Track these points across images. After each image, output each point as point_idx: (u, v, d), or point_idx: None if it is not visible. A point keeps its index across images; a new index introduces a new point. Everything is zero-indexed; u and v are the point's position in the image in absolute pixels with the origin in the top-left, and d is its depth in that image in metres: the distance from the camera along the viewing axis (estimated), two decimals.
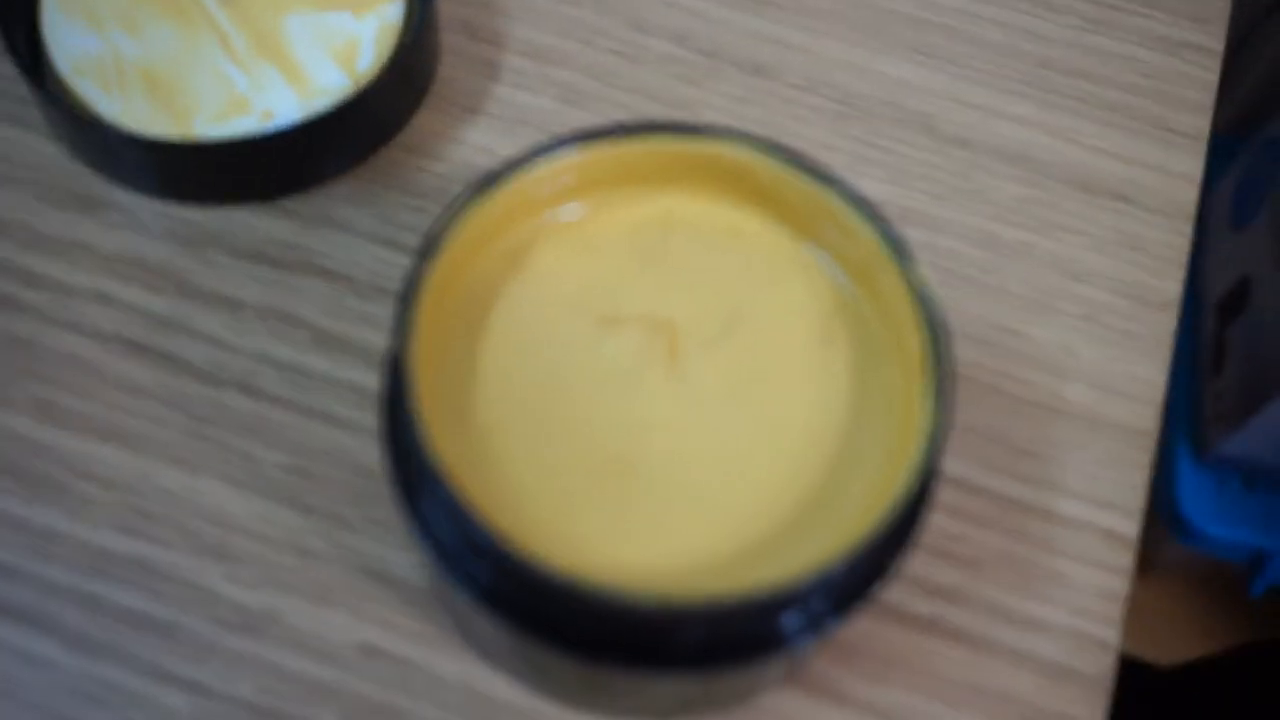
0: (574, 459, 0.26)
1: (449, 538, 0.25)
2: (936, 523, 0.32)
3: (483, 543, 0.24)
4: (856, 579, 0.25)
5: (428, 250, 0.26)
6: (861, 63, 0.40)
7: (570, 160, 0.28)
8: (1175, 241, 0.37)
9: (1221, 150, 0.72)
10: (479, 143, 0.37)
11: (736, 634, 0.24)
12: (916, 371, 0.26)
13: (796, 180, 0.28)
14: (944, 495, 0.33)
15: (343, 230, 0.35)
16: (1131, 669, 0.72)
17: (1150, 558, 0.71)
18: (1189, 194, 0.38)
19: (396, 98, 0.36)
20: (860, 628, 0.31)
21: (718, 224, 0.29)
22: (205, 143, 0.34)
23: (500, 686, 0.29)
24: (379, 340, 0.33)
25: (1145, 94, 0.40)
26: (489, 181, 0.27)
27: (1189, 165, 0.39)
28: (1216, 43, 0.40)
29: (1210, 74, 0.40)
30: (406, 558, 0.31)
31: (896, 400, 0.27)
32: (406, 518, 0.26)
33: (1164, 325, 0.36)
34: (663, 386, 0.27)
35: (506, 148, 0.37)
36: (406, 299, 0.25)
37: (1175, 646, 0.73)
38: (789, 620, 0.25)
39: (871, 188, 0.37)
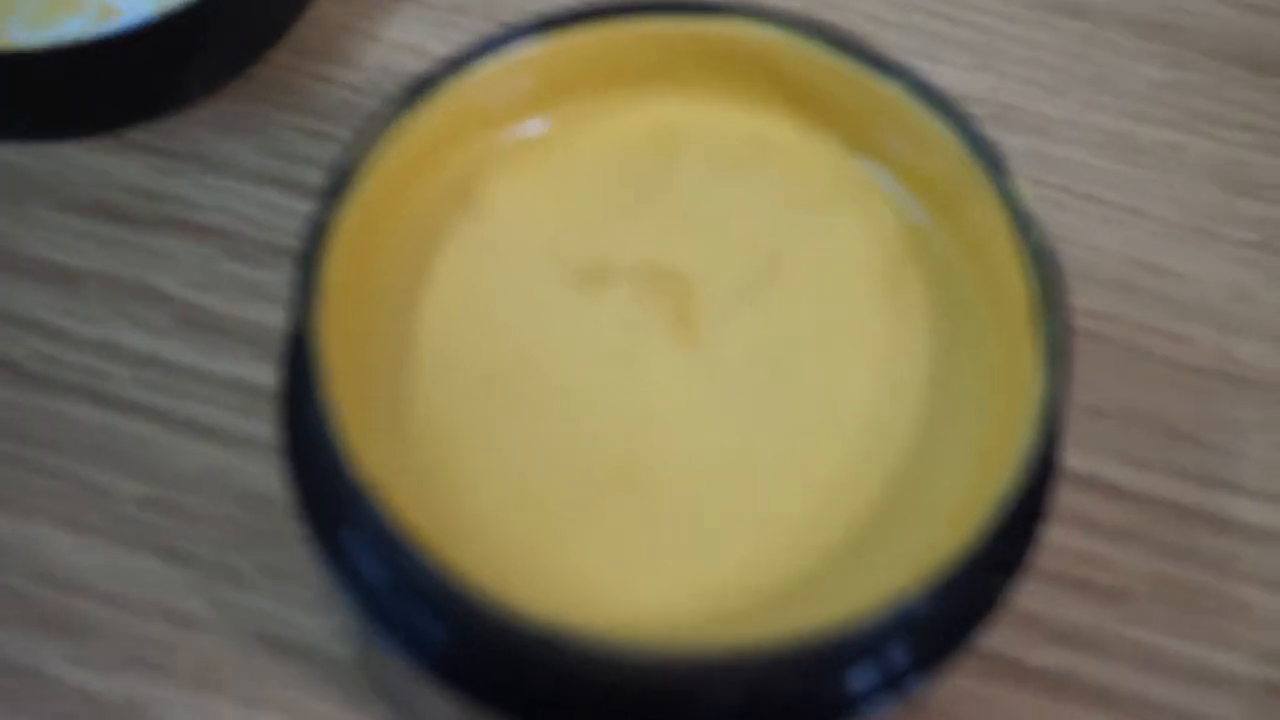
0: (554, 470, 0.27)
1: (382, 584, 0.26)
2: (1063, 540, 0.33)
3: (432, 587, 0.25)
4: (948, 618, 0.27)
5: (338, 189, 0.27)
6: None
7: (530, 55, 0.29)
8: None
9: None
10: (402, 39, 0.38)
11: (785, 698, 0.26)
12: (1021, 330, 0.28)
13: (846, 71, 0.29)
14: (1071, 501, 0.34)
15: (216, 169, 0.36)
16: None
17: None
18: None
19: None
20: (959, 688, 0.32)
21: (738, 137, 0.30)
22: (19, 51, 0.35)
23: None
24: (274, 318, 0.34)
25: None
26: (419, 90, 0.28)
27: None
28: None
29: None
30: (321, 620, 0.32)
31: (993, 370, 0.28)
32: (321, 560, 0.27)
33: None
34: (672, 364, 0.28)
35: (441, 45, 0.38)
36: (310, 258, 0.27)
37: None
38: (857, 677, 0.26)
39: (950, 78, 0.38)
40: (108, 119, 0.37)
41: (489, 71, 0.29)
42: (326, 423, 0.26)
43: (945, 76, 0.38)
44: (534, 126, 0.30)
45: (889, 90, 0.29)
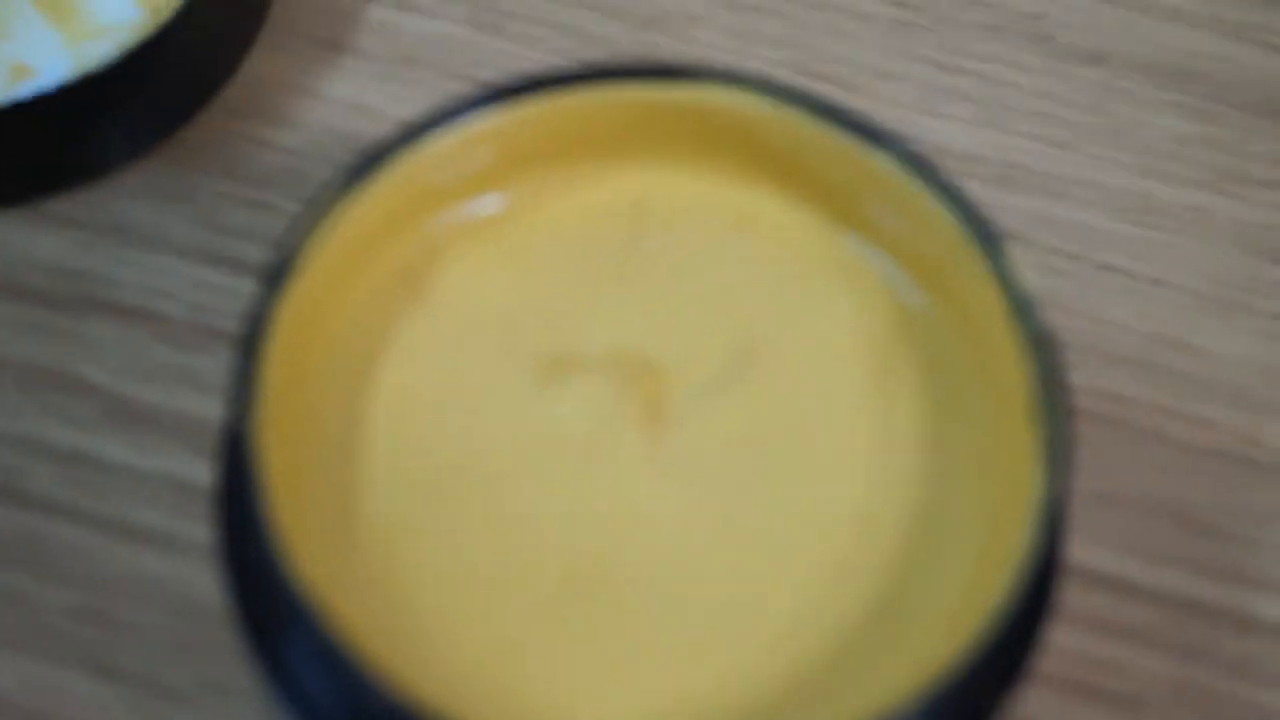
0: (513, 576, 0.29)
1: (329, 704, 0.28)
2: (1072, 643, 0.35)
3: (381, 709, 0.26)
4: None
5: (279, 274, 0.29)
6: None
7: (488, 126, 0.31)
8: None
9: None
10: (344, 96, 0.39)
11: None
12: (1019, 420, 0.29)
13: (831, 140, 0.31)
14: (1080, 600, 0.35)
15: (143, 243, 0.38)
16: None
17: None
18: None
19: (217, 33, 0.39)
20: None
21: (714, 211, 0.32)
22: None
23: None
24: (208, 409, 0.36)
25: None
26: (366, 166, 0.30)
27: None
28: None
29: None
30: None
31: (991, 462, 0.30)
32: (263, 677, 0.28)
33: None
34: (641, 462, 0.30)
35: (388, 103, 0.39)
36: (249, 349, 0.28)
37: None
38: None
39: (953, 134, 0.40)
40: (21, 189, 0.38)
41: (442, 144, 0.30)
42: (266, 528, 0.27)
43: (947, 132, 0.40)
44: (491, 203, 0.32)
45: (878, 161, 0.31)
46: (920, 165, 0.31)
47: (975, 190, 0.38)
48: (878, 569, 0.29)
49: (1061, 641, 0.35)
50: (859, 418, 0.30)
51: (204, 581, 0.34)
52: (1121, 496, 0.36)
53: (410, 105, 0.39)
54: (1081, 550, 0.36)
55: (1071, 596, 0.35)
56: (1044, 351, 0.29)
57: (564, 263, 0.31)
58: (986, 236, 0.30)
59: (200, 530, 0.35)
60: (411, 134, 0.30)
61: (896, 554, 0.30)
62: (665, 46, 0.40)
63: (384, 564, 0.29)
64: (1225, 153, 0.40)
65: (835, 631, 0.29)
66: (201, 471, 0.35)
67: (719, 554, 0.29)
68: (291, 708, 0.28)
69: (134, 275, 0.37)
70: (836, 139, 0.31)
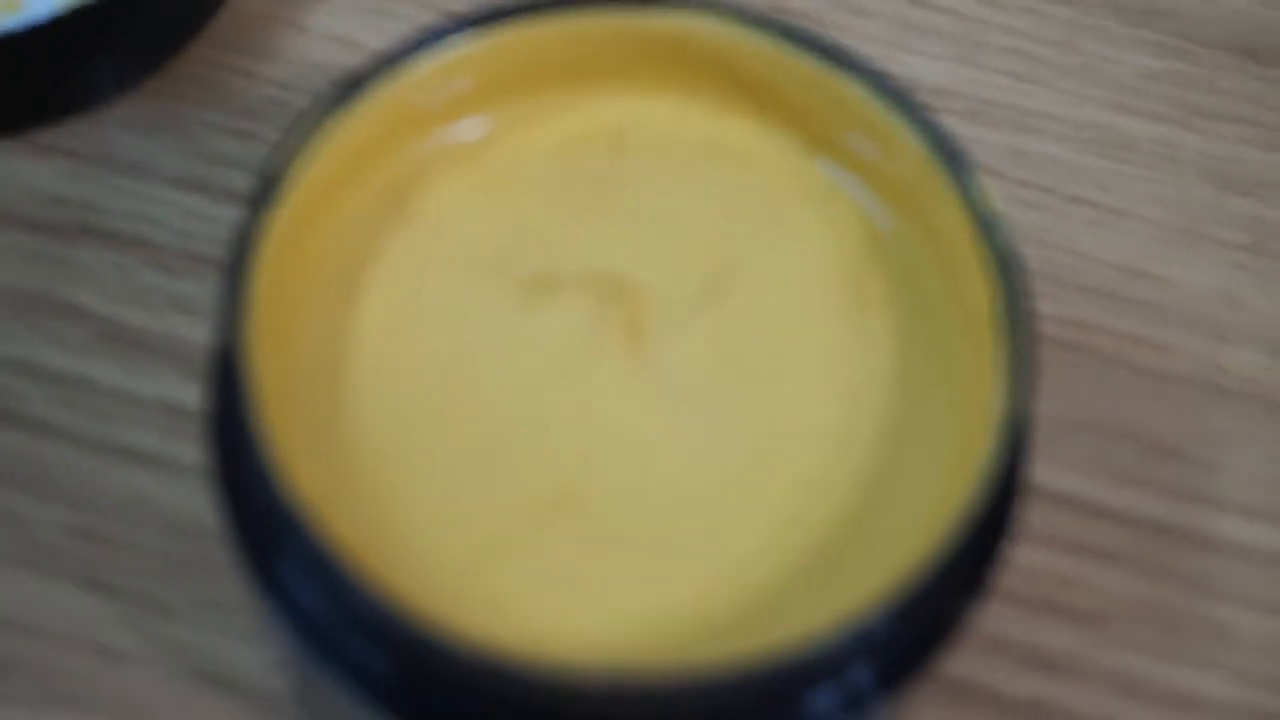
0: (495, 492, 0.30)
1: (320, 613, 0.29)
2: (1038, 561, 0.36)
3: (372, 615, 0.28)
4: (910, 638, 0.29)
5: (264, 196, 0.30)
6: None
7: (468, 52, 0.32)
8: None
9: None
10: (330, 30, 0.41)
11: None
12: (986, 339, 0.30)
13: (804, 67, 0.32)
14: (1047, 520, 0.37)
15: (133, 172, 0.39)
16: None
17: None
18: None
19: None
20: (927, 716, 0.35)
21: (691, 137, 0.33)
22: None
23: None
24: (196, 332, 0.37)
25: None
26: (350, 89, 0.31)
27: None
28: None
29: None
30: (255, 653, 0.34)
31: (960, 381, 0.31)
32: (256, 589, 0.29)
33: None
34: (621, 381, 0.31)
35: (373, 36, 0.40)
36: (236, 270, 0.29)
37: None
38: (817, 699, 0.29)
39: (925, 69, 0.41)
40: (12, 120, 0.39)
41: (424, 69, 0.31)
42: (258, 444, 0.28)
43: (920, 68, 0.41)
44: (472, 128, 0.33)
45: (849, 88, 0.32)
46: (891, 91, 0.32)
47: (947, 125, 0.39)
48: (850, 483, 0.31)
49: (1027, 560, 0.36)
50: (832, 336, 0.32)
51: (195, 501, 0.36)
52: (1087, 421, 0.38)
53: (391, 38, 0.40)
54: (1048, 474, 0.37)
55: (1037, 517, 0.36)
56: (1009, 270, 0.30)
57: (544, 186, 0.32)
58: (955, 160, 0.31)
59: (191, 451, 0.36)
60: (393, 58, 0.31)
61: (869, 468, 0.31)
62: None
63: (370, 478, 0.30)
64: (1192, 88, 0.42)
65: (808, 543, 0.30)
66: (192, 394, 0.37)
67: (696, 468, 0.30)
68: (284, 619, 0.29)
69: (124, 203, 0.39)
70: (809, 66, 0.32)
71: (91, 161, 0.39)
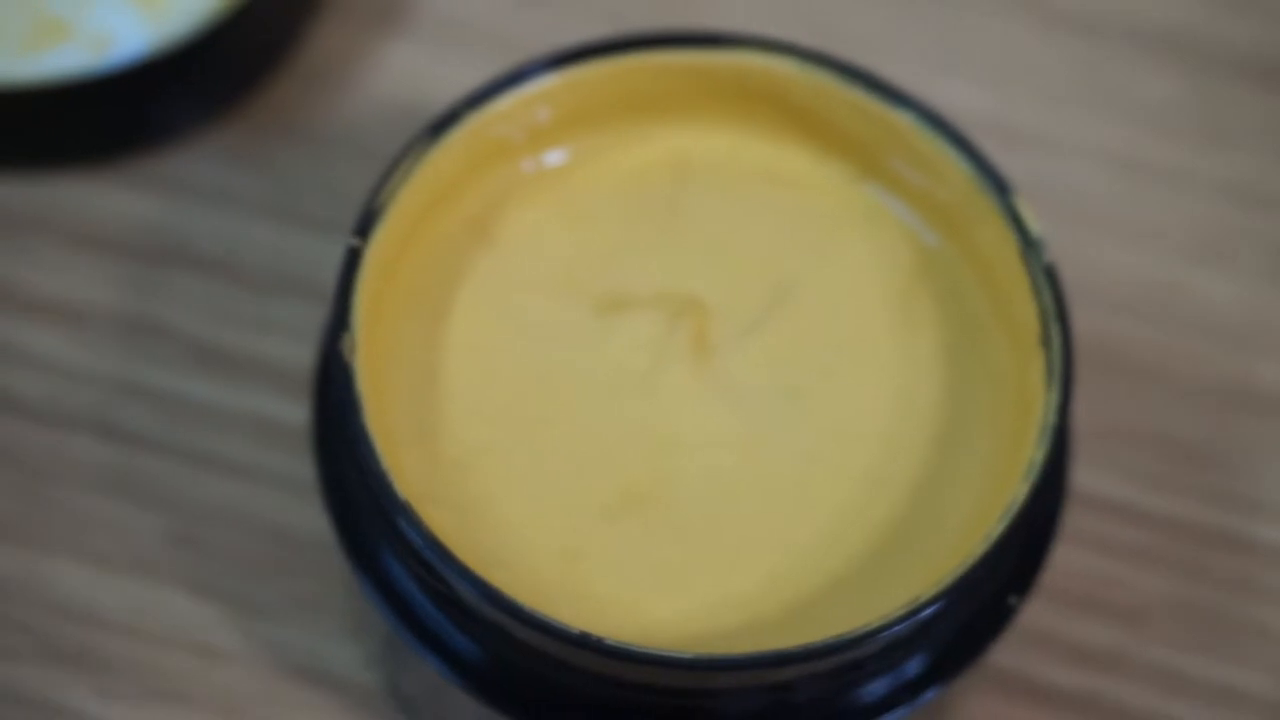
0: (578, 491, 0.33)
1: (420, 603, 0.32)
2: (1083, 562, 0.39)
3: (471, 602, 0.31)
4: (958, 628, 0.32)
5: (367, 224, 0.33)
6: None
7: (546, 89, 0.35)
8: None
9: None
10: (403, 64, 0.44)
11: (799, 704, 0.31)
12: (1030, 348, 0.33)
13: (854, 100, 0.35)
14: (1094, 523, 0.39)
15: (220, 200, 0.42)
16: None
17: None
18: None
19: (285, 7, 0.43)
20: (977, 707, 0.37)
21: (750, 167, 0.36)
22: (12, 86, 0.40)
23: None
24: (282, 351, 0.40)
25: None
26: (442, 125, 0.34)
27: None
28: None
29: None
30: (349, 649, 0.37)
31: (1005, 388, 0.34)
32: (360, 581, 0.32)
33: None
34: (690, 389, 0.34)
35: (442, 69, 0.43)
36: (344, 289, 0.32)
37: None
38: (871, 685, 0.32)
39: (958, 97, 0.43)
40: (104, 151, 0.42)
41: (507, 105, 0.35)
42: (366, 447, 0.31)
43: (953, 97, 0.43)
44: (551, 158, 0.36)
45: (897, 118, 0.35)
46: (935, 121, 0.35)
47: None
48: (904, 484, 0.33)
49: (1072, 561, 0.38)
50: (884, 348, 0.35)
51: (290, 508, 0.38)
52: (1124, 429, 0.40)
53: (459, 71, 0.42)
54: (1089, 478, 0.39)
55: (1080, 521, 0.39)
56: (1051, 288, 0.33)
57: (617, 211, 0.36)
58: (996, 182, 0.34)
59: (283, 462, 0.39)
60: (482, 95, 0.34)
61: (920, 471, 0.34)
62: (696, 19, 0.44)
63: (464, 479, 0.33)
64: (1213, 113, 0.44)
65: (865, 539, 0.33)
66: (281, 407, 0.39)
67: (761, 471, 0.33)
68: (386, 608, 0.32)
69: (211, 229, 0.41)
70: (859, 98, 0.35)
71: (180, 190, 0.42)
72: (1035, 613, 0.38)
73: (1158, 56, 0.45)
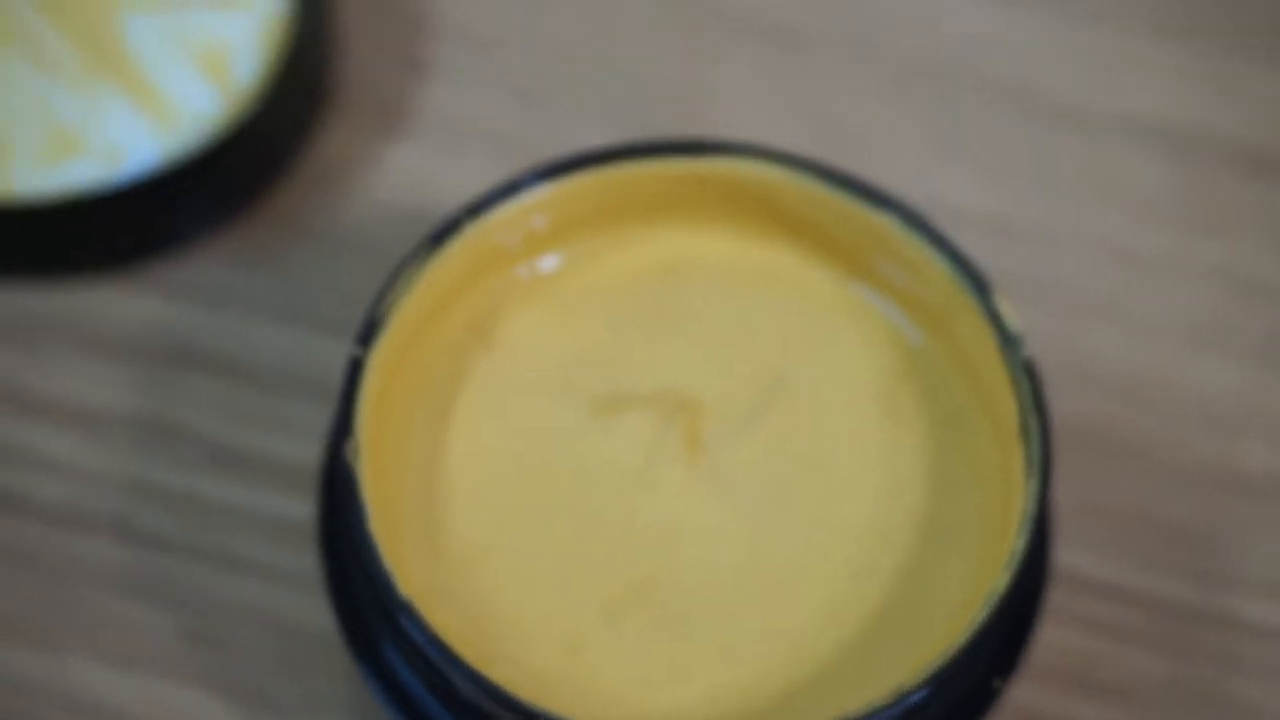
0: (579, 586, 0.34)
1: (423, 698, 0.33)
2: (1069, 641, 0.40)
3: (474, 698, 0.32)
4: (947, 712, 0.34)
5: (371, 329, 0.34)
6: (929, 11, 0.47)
7: (543, 197, 0.36)
8: None
9: None
10: (407, 165, 0.45)
11: None
12: (1012, 440, 0.35)
13: (841, 204, 0.37)
14: (1079, 603, 0.40)
15: (230, 304, 0.43)
16: None
17: None
18: None
19: (290, 114, 0.44)
20: None
21: (741, 267, 0.38)
22: (23, 202, 0.41)
23: None
24: (293, 450, 0.41)
25: None
26: (444, 234, 0.35)
27: None
28: None
29: None
30: None
31: (988, 479, 0.35)
32: (366, 677, 0.34)
33: None
34: (684, 485, 0.35)
35: (445, 171, 0.45)
36: (348, 394, 0.34)
37: None
38: None
39: (951, 189, 0.45)
40: (118, 258, 0.43)
41: (505, 214, 0.36)
42: (369, 547, 0.33)
43: (945, 188, 0.45)
44: (548, 263, 0.37)
45: (880, 220, 0.36)
46: (918, 223, 0.36)
47: (971, 239, 0.42)
48: (890, 574, 0.35)
49: (1058, 640, 0.39)
50: (872, 442, 0.36)
51: (303, 605, 0.39)
52: (1111, 509, 0.41)
53: (462, 175, 0.44)
54: (1074, 557, 0.40)
55: (1065, 600, 0.40)
56: (1031, 380, 0.35)
57: (612, 313, 0.37)
58: (977, 281, 0.36)
59: (295, 560, 0.40)
60: (481, 204, 0.36)
61: (907, 560, 0.35)
62: (697, 115, 0.46)
63: (466, 579, 0.34)
64: (1204, 200, 0.45)
65: (854, 628, 0.34)
66: (294, 507, 0.40)
67: (754, 562, 0.35)
68: (390, 703, 0.34)
69: (223, 332, 0.43)
70: (845, 202, 0.37)
71: (191, 294, 0.43)
72: (1024, 692, 0.39)
73: (1150, 147, 0.46)
